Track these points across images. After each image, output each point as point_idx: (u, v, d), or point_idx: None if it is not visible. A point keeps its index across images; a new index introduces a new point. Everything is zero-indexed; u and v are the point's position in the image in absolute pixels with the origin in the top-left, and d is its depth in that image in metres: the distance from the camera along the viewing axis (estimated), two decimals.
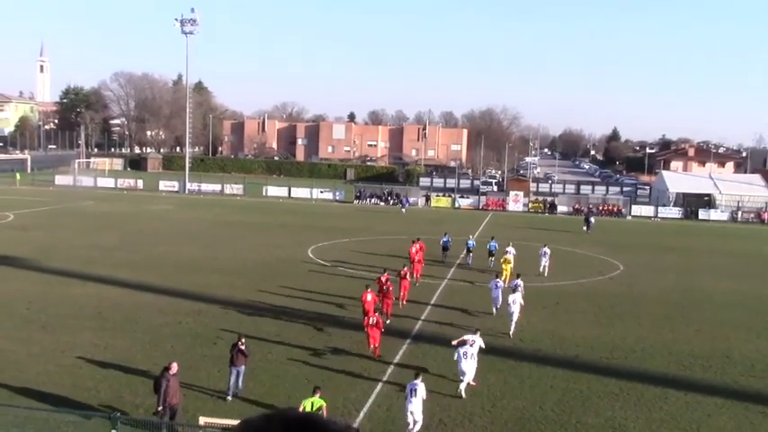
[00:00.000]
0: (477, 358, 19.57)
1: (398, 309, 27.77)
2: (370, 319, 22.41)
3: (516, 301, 25.58)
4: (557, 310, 28.97)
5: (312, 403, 16.55)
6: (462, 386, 19.03)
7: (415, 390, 16.51)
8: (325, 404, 16.07)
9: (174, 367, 16.33)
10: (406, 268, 30.28)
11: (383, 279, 26.97)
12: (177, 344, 22.66)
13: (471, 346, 19.79)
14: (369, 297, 24.75)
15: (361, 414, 17.60)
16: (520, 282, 28.06)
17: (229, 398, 18.10)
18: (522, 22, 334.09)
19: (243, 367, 18.39)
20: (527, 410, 18.37)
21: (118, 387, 18.70)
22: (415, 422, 16.41)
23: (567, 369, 21.90)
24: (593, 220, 59.73)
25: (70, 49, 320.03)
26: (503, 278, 31.31)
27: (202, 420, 15.90)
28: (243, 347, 18.39)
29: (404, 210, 69.57)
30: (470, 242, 40.48)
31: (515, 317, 25.46)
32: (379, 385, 19.61)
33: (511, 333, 25.09)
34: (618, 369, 22.21)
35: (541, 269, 37.07)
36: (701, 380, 21.58)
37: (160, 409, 15.71)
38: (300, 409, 17.88)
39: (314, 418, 1.71)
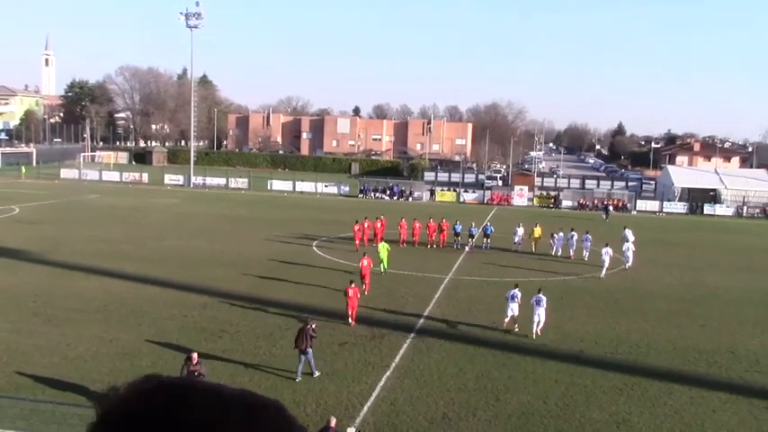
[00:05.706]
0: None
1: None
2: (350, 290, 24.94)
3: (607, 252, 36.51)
4: (561, 305, 28.92)
5: (382, 245, 29.34)
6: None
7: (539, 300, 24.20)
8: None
9: (195, 357, 16.55)
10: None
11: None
12: (182, 337, 22.73)
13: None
14: (365, 263, 30.02)
15: (365, 407, 17.63)
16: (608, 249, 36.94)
17: (299, 378, 19.07)
18: (527, 16, 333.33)
19: (310, 350, 19.18)
20: (531, 405, 18.39)
21: (123, 380, 18.45)
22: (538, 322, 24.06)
23: (572, 364, 21.91)
24: (611, 209, 68.32)
25: (75, 43, 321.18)
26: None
27: None
28: (314, 332, 19.31)
29: (395, 198, 76.60)
30: (473, 229, 44.72)
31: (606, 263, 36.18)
32: (383, 379, 19.64)
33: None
34: (622, 364, 22.21)
35: (571, 253, 41.68)
36: (706, 375, 21.57)
37: None
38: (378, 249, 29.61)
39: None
